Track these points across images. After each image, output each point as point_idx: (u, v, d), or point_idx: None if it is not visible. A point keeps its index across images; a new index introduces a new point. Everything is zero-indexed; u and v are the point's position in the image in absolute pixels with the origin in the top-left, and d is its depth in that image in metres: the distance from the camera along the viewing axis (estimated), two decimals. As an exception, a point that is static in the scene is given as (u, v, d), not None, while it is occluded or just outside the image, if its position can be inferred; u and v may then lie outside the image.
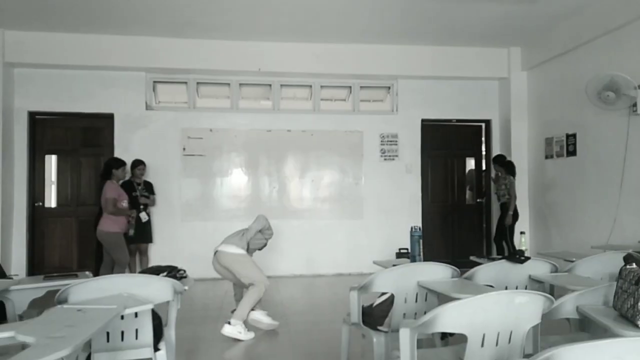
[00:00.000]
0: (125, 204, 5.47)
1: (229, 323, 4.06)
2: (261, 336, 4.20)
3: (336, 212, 7.12)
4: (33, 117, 6.63)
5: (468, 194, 7.71)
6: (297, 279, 6.81)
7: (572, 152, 6.08)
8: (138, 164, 6.26)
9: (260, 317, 4.27)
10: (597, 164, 5.66)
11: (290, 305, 5.35)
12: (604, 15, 5.39)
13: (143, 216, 6.09)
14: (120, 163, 5.59)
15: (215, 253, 4.47)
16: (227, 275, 4.51)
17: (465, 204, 7.63)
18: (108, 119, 6.72)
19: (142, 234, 6.09)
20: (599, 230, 5.49)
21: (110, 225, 5.31)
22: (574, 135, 6.03)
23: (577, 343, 1.41)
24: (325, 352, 3.71)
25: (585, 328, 2.52)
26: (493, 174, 6.78)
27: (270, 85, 7.12)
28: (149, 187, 6.39)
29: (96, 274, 4.85)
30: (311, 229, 7.03)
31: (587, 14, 5.63)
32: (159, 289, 2.66)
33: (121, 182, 5.81)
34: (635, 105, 5.05)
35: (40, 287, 3.09)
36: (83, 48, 6.36)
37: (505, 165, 6.41)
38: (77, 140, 6.82)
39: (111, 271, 5.29)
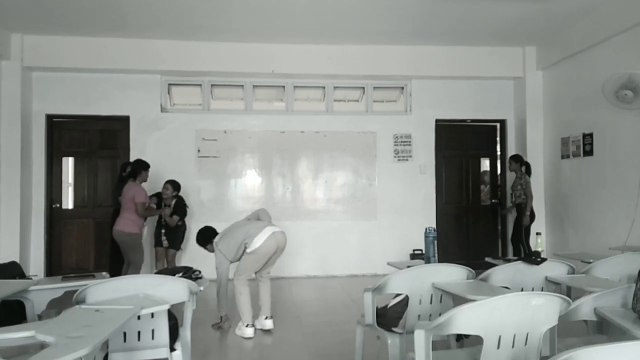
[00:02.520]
0: (153, 204, 5.56)
1: (271, 317, 4.38)
2: (275, 337, 4.22)
3: (350, 213, 7.12)
4: (51, 119, 6.74)
5: (483, 192, 7.65)
6: (310, 280, 6.82)
7: (588, 152, 6.00)
8: (165, 183, 5.96)
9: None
10: (614, 164, 5.58)
11: (304, 307, 5.36)
12: (620, 13, 5.31)
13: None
14: (148, 165, 5.63)
15: (274, 231, 4.25)
16: (262, 262, 4.30)
17: (480, 204, 7.57)
18: (124, 121, 6.80)
19: (172, 240, 5.96)
20: (617, 231, 5.41)
21: (131, 226, 5.31)
22: (591, 135, 5.95)
23: (595, 345, 1.39)
24: (340, 354, 3.71)
25: (603, 330, 2.49)
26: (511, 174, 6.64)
27: (283, 86, 7.15)
28: (179, 208, 5.95)
29: (113, 274, 4.85)
30: (325, 230, 7.03)
31: (603, 12, 5.55)
32: (174, 289, 2.69)
33: (151, 195, 5.78)
34: (653, 104, 4.97)
35: (58, 287, 3.15)
36: (99, 51, 6.45)
37: (524, 165, 6.37)
38: (94, 142, 6.91)
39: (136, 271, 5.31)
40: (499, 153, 7.56)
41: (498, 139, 7.56)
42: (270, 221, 4.55)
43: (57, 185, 6.83)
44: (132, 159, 6.67)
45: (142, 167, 5.57)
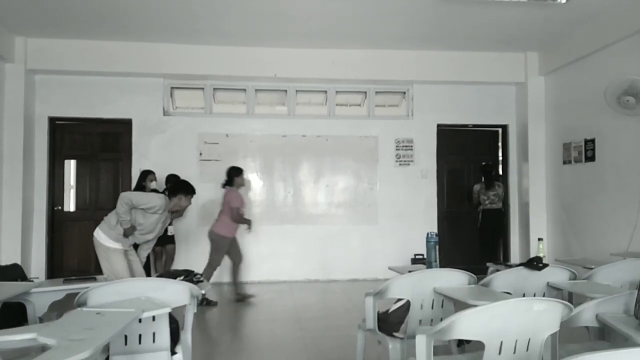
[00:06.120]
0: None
1: None
2: (276, 341, 4.21)
3: (351, 218, 7.11)
4: (53, 122, 6.76)
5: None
6: (311, 284, 6.81)
7: (590, 158, 5.99)
8: (147, 173, 6.08)
9: None
10: (616, 170, 5.58)
11: (305, 311, 5.35)
12: (622, 19, 5.32)
13: (170, 229, 5.96)
14: (241, 170, 5.78)
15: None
16: None
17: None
18: (126, 124, 6.82)
19: (167, 237, 5.98)
20: (619, 237, 5.40)
21: (223, 229, 5.55)
22: (593, 141, 5.95)
23: (596, 352, 1.39)
24: (341, 358, 3.70)
25: (605, 337, 2.48)
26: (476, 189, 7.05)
27: (285, 90, 7.16)
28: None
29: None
30: (326, 234, 7.03)
31: (605, 18, 5.56)
32: (176, 292, 2.68)
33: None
34: (655, 110, 4.97)
35: (60, 290, 3.14)
36: (102, 55, 6.47)
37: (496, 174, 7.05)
38: (96, 145, 6.93)
39: (239, 266, 5.70)
40: (500, 158, 7.55)
41: (500, 144, 7.56)
42: (104, 221, 4.22)
43: (59, 188, 6.84)
44: (134, 162, 6.72)
45: (235, 173, 5.73)
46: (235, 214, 5.56)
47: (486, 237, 7.03)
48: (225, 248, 5.61)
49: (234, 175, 5.72)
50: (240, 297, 5.69)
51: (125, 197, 4.01)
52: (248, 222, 5.70)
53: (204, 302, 5.35)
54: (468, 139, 7.50)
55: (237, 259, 5.75)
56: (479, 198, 6.94)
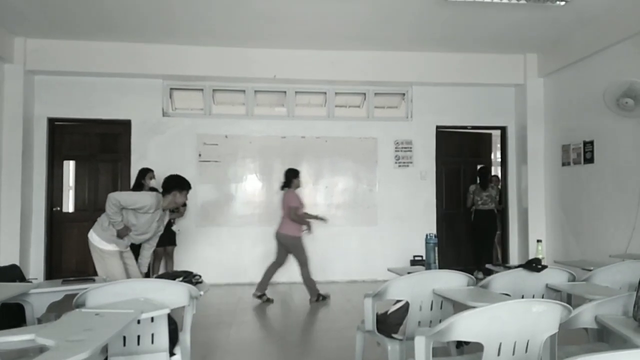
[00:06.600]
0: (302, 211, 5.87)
1: None
2: (275, 343, 4.21)
3: (350, 219, 7.11)
4: (52, 123, 6.75)
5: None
6: (310, 285, 6.79)
7: (589, 160, 6.00)
8: (146, 171, 6.01)
9: None
10: (615, 172, 5.58)
11: (304, 312, 5.34)
12: (621, 21, 5.33)
13: (174, 229, 6.09)
14: (298, 172, 5.94)
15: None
16: None
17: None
18: (125, 125, 6.81)
19: (168, 237, 5.99)
20: (618, 239, 5.41)
21: (293, 230, 5.71)
22: (592, 143, 5.96)
23: (595, 354, 1.39)
24: (340, 359, 3.70)
25: (603, 338, 2.48)
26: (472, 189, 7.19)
27: (285, 92, 7.17)
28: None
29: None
30: (325, 235, 6.99)
31: (604, 20, 5.57)
32: (175, 293, 2.68)
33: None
34: (654, 112, 4.98)
35: (58, 290, 3.13)
36: (101, 55, 6.47)
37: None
38: (95, 146, 6.92)
39: (277, 269, 5.82)
40: (499, 160, 7.56)
41: (499, 145, 7.57)
42: (97, 223, 4.12)
43: (57, 189, 6.83)
44: (133, 163, 6.72)
45: (293, 175, 5.89)
46: (294, 213, 5.68)
47: (479, 236, 7.10)
48: (302, 244, 5.74)
49: (292, 177, 5.86)
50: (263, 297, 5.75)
51: (113, 197, 3.89)
52: (307, 223, 5.78)
53: (320, 298, 5.71)
54: (467, 141, 7.50)
55: (281, 260, 5.85)
56: (473, 198, 7.04)
